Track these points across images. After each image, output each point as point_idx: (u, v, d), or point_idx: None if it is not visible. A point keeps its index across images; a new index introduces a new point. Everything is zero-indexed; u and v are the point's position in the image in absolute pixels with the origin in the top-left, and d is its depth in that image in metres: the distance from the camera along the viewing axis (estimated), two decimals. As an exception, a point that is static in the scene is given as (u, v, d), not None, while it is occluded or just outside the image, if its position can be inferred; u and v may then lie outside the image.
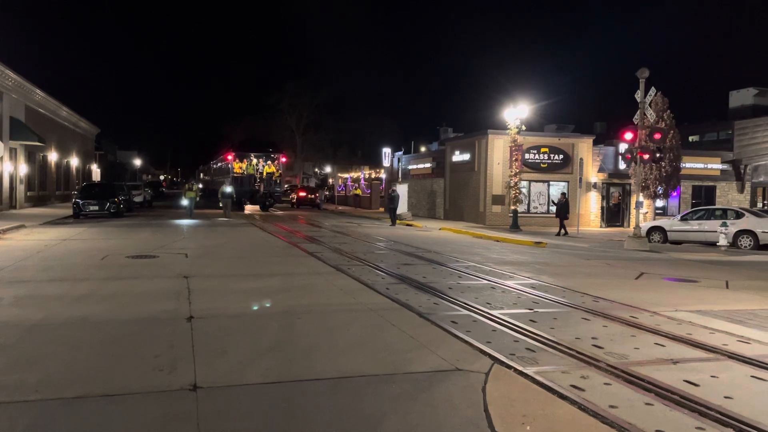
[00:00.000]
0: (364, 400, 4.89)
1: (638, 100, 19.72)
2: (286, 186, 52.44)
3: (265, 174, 42.88)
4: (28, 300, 8.26)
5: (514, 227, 25.36)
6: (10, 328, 6.74)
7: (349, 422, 4.42)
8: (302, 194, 47.17)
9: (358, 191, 44.27)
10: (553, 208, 25.70)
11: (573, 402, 4.88)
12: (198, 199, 29.22)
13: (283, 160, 46.15)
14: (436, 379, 5.43)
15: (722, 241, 19.44)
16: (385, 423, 4.42)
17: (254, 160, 43.28)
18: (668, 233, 21.71)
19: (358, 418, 4.51)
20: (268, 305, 8.53)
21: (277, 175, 44.31)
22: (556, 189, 29.03)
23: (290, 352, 6.15)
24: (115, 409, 4.49)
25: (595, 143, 30.79)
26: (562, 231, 23.70)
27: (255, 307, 8.39)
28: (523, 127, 25.72)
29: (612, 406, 4.78)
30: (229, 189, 29.32)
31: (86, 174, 48.11)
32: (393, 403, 4.83)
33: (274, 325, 7.24)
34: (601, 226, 30.52)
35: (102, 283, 9.77)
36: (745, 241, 19.78)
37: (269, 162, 43.85)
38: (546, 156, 29.49)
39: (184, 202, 28.72)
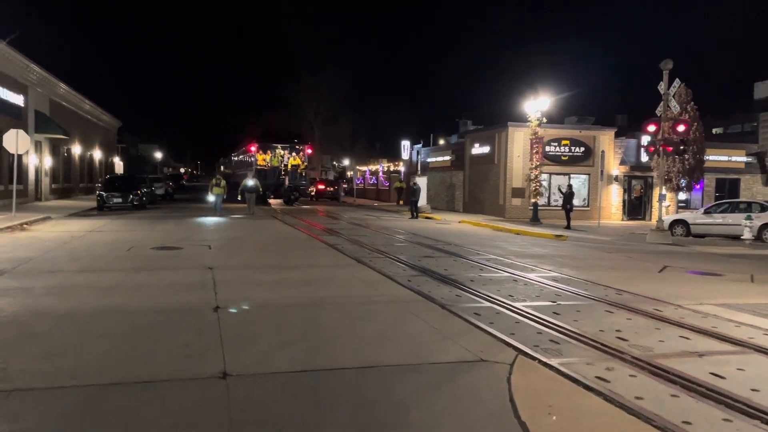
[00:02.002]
0: (389, 389, 4.95)
1: (661, 91, 19.49)
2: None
3: (290, 166, 41.44)
4: (59, 290, 8.45)
5: (534, 220, 25.26)
6: (42, 317, 6.91)
7: (376, 411, 4.49)
8: (321, 187, 47.28)
9: (401, 184, 41.17)
10: (575, 202, 25.44)
11: (599, 393, 4.89)
12: (225, 195, 26.45)
13: (309, 151, 44.53)
14: (461, 369, 5.48)
15: (747, 235, 19.20)
16: (411, 412, 4.47)
17: (279, 152, 41.83)
18: (691, 226, 21.47)
19: (385, 406, 4.57)
20: (292, 296, 8.62)
21: (302, 167, 42.77)
22: (577, 182, 28.84)
23: (316, 341, 6.24)
24: (148, 395, 4.61)
25: (617, 135, 30.51)
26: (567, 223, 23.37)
27: (279, 298, 8.50)
28: (544, 120, 25.57)
29: (638, 398, 4.79)
30: (252, 182, 26.89)
31: (109, 167, 48.79)
32: (419, 392, 4.89)
33: (298, 316, 7.34)
34: (622, 220, 30.26)
35: (129, 274, 9.95)
36: (771, 235, 19.48)
37: (294, 154, 42.29)
38: (567, 148, 29.29)
39: (211, 198, 25.71)
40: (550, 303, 8.57)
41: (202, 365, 5.31)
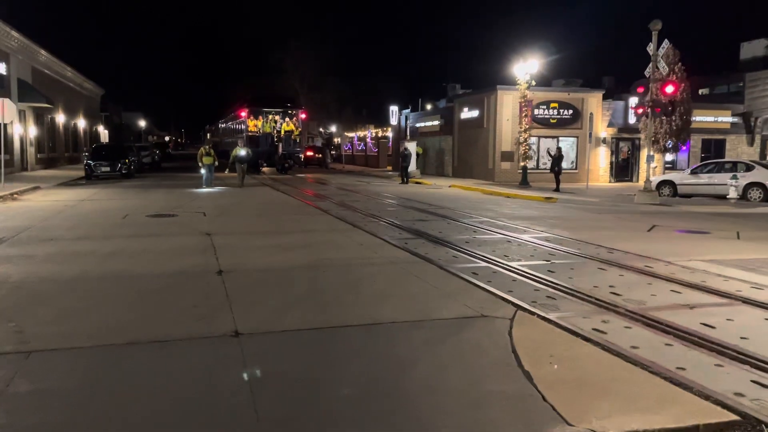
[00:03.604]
0: (396, 344, 5.15)
1: (650, 52, 19.56)
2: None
3: (282, 132, 39.03)
4: (61, 257, 8.53)
5: (524, 183, 25.49)
6: (48, 282, 7.01)
7: (386, 363, 4.68)
8: (309, 154, 47.03)
9: (419, 150, 36.54)
10: (563, 164, 25.61)
11: (596, 343, 5.12)
12: (217, 164, 24.08)
13: (303, 116, 41.81)
14: (463, 324, 5.68)
15: (732, 194, 19.55)
16: (419, 365, 4.67)
17: (271, 117, 39.31)
18: (678, 187, 21.80)
19: (394, 360, 4.77)
20: (292, 260, 8.75)
21: (296, 133, 40.07)
22: (566, 145, 29.00)
23: (321, 302, 6.41)
24: (166, 352, 4.77)
25: (604, 98, 30.64)
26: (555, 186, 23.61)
27: (281, 262, 8.64)
28: (533, 83, 25.59)
29: (634, 347, 5.03)
30: (243, 152, 23.81)
31: (93, 135, 48.17)
32: (424, 346, 5.08)
33: (301, 278, 7.49)
34: (609, 181, 30.60)
35: (128, 241, 10.03)
36: (755, 194, 19.86)
37: (287, 119, 39.84)
38: (555, 111, 29.38)
39: (202, 170, 22.94)
40: (545, 262, 8.79)
41: (213, 325, 5.46)
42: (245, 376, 4.33)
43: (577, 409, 3.86)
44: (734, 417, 3.76)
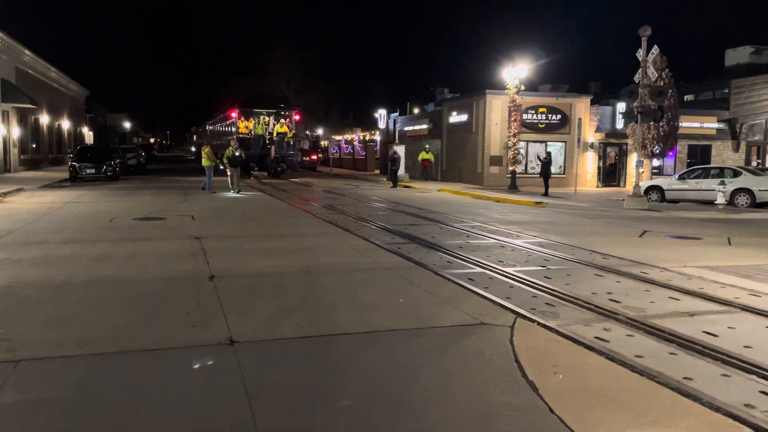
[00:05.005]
0: (396, 352, 5.03)
1: (640, 58, 19.64)
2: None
3: (275, 135, 37.09)
4: (48, 261, 8.30)
5: (513, 188, 25.49)
6: (36, 287, 6.80)
7: (385, 373, 4.56)
8: None
9: (429, 156, 33.63)
10: (552, 169, 25.65)
11: (600, 352, 5.04)
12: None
13: (297, 117, 39.53)
14: (463, 332, 5.58)
15: (720, 200, 19.66)
16: (421, 374, 4.56)
17: (263, 118, 37.22)
18: (666, 192, 21.90)
19: (395, 369, 4.65)
20: (285, 265, 8.60)
21: (290, 135, 37.89)
22: (554, 149, 29.04)
23: (316, 308, 6.27)
24: (159, 362, 4.61)
25: (592, 103, 30.73)
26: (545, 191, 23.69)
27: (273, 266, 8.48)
28: (522, 87, 25.63)
29: (638, 356, 4.95)
30: (237, 153, 22.33)
31: (78, 137, 47.56)
32: (425, 355, 4.97)
33: (295, 284, 7.35)
34: (597, 186, 30.69)
35: (116, 245, 9.81)
36: (742, 200, 20.00)
37: (281, 120, 37.77)
38: (544, 116, 29.43)
39: (220, 167, 22.40)
40: (540, 268, 8.72)
41: (207, 333, 5.31)
42: (242, 386, 4.19)
43: (587, 422, 3.77)
44: (748, 430, 3.69)
